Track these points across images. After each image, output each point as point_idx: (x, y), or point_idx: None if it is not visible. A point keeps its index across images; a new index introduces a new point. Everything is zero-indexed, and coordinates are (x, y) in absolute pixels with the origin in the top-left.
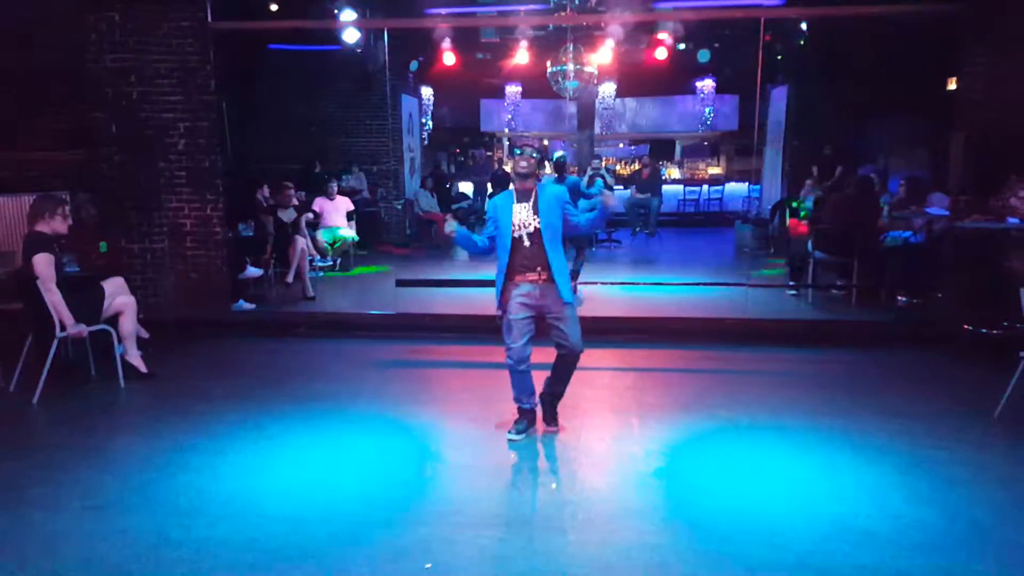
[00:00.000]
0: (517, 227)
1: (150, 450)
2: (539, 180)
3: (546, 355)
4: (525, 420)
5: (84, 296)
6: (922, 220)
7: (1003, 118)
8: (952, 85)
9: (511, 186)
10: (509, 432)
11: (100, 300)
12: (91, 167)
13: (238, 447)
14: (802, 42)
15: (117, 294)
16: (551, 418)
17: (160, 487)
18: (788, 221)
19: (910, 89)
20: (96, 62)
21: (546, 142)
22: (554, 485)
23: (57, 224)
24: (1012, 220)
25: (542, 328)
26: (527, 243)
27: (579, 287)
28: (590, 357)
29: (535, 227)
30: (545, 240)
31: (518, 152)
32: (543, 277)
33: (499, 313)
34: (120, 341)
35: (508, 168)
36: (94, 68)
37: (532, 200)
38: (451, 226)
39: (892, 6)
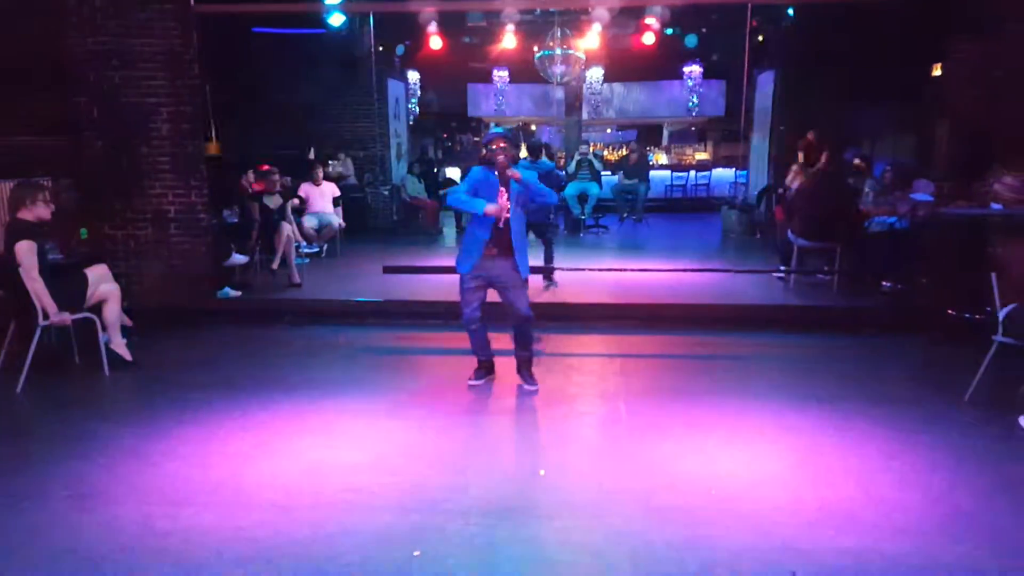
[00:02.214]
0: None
1: (135, 439)
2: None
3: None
4: (482, 369)
5: (67, 284)
6: (907, 206)
7: (987, 105)
8: (937, 71)
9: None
10: (470, 379)
11: (83, 288)
12: (73, 153)
13: (224, 435)
14: (788, 25)
15: (101, 282)
16: (527, 378)
17: (146, 476)
18: (774, 207)
19: (896, 75)
20: (77, 46)
21: (533, 127)
22: (542, 471)
23: (39, 210)
24: (995, 206)
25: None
26: (501, 225)
27: (554, 274)
28: (577, 344)
29: (508, 212)
30: (512, 222)
31: (494, 137)
32: (501, 252)
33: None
34: (104, 329)
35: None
36: (75, 52)
37: (508, 187)
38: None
39: None
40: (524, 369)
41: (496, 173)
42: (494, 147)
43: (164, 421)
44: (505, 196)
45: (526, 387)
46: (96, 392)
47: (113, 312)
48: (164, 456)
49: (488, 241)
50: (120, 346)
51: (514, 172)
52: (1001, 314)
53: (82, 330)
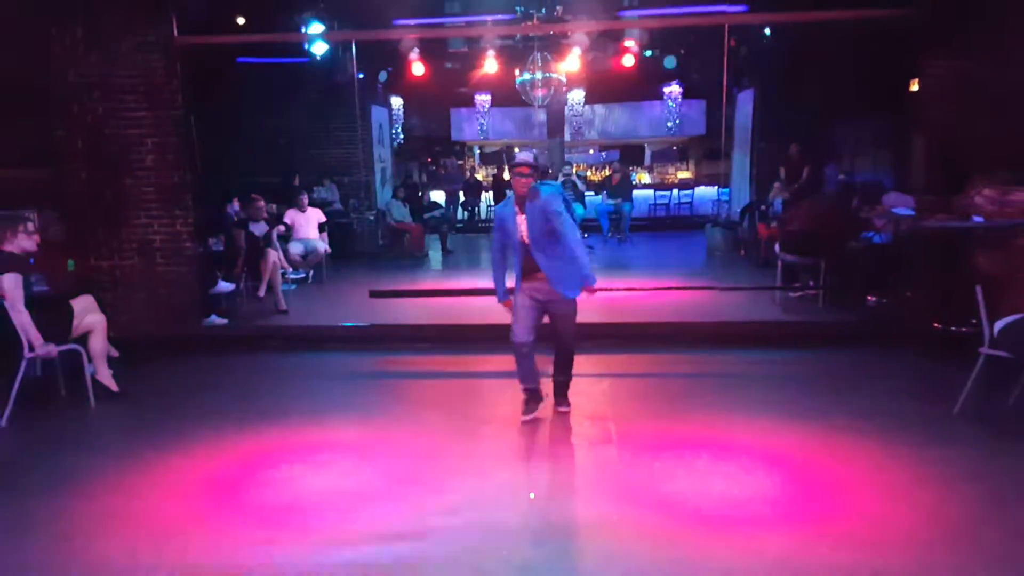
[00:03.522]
0: (523, 235)
1: (121, 471)
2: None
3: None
4: (532, 401)
5: (53, 315)
6: (883, 220)
7: (964, 119)
8: (914, 87)
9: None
10: (522, 416)
11: (69, 319)
12: (57, 184)
13: (211, 465)
14: (765, 40)
15: (86, 312)
16: (561, 400)
17: (132, 508)
18: (758, 224)
19: (874, 91)
20: (60, 77)
21: (517, 150)
22: (531, 495)
23: (23, 242)
24: (976, 219)
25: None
26: (523, 251)
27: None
28: None
29: (526, 237)
30: (532, 246)
31: (518, 162)
32: (542, 277)
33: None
34: (90, 360)
35: (480, 177)
36: (58, 83)
37: (524, 211)
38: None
39: (852, 11)
40: (559, 392)
41: (515, 202)
42: (516, 172)
43: (150, 452)
44: (524, 224)
45: (559, 408)
46: (82, 424)
47: (99, 343)
48: (150, 488)
49: (522, 265)
50: (106, 377)
51: (526, 192)
52: (996, 326)
53: (68, 361)
